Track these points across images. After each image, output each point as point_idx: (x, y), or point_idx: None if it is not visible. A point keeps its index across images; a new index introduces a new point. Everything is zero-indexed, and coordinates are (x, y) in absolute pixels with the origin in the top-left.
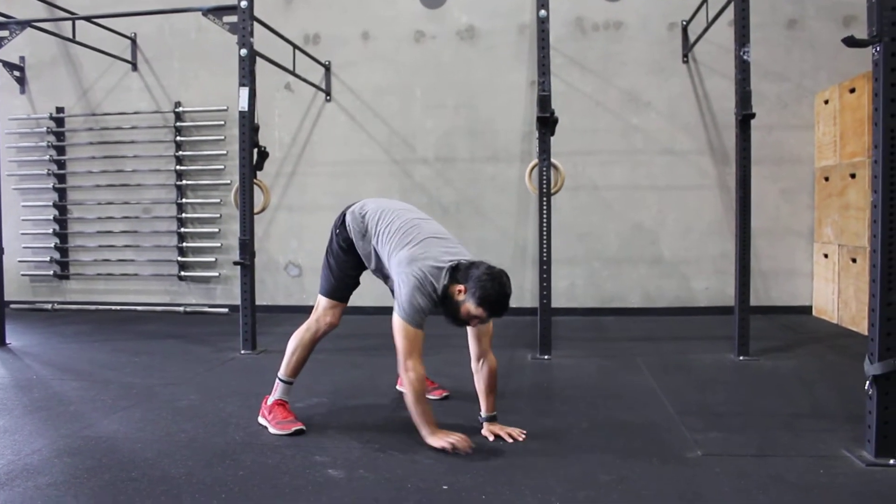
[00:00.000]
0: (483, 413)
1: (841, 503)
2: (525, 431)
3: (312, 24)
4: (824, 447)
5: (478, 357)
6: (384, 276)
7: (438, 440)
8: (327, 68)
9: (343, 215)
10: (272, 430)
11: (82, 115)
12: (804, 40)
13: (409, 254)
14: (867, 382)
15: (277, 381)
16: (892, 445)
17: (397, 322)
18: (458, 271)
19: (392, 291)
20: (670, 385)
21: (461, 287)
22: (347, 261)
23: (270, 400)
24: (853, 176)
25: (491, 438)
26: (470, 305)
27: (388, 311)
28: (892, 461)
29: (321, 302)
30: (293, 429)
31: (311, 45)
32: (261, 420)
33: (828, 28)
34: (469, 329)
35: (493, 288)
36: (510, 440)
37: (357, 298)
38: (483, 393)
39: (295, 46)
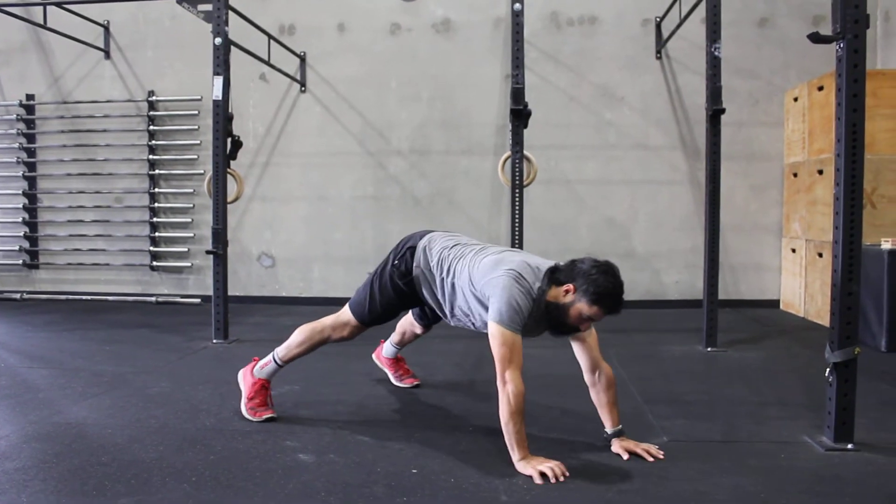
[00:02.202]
0: (609, 429)
1: (800, 485)
2: (662, 450)
3: (288, 15)
4: (786, 433)
5: (591, 368)
6: (458, 313)
7: (531, 467)
8: (302, 59)
9: (411, 248)
10: (244, 410)
11: (53, 102)
12: (775, 38)
13: (492, 259)
14: (827, 370)
15: (272, 359)
16: (850, 431)
17: (492, 328)
18: (558, 272)
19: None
20: (639, 375)
21: (568, 287)
22: (394, 300)
23: (258, 373)
24: (821, 172)
25: (625, 457)
26: (582, 305)
27: None
28: (849, 446)
29: (347, 317)
30: (264, 416)
31: (286, 35)
32: (240, 381)
33: (798, 27)
34: (573, 341)
35: (608, 281)
36: (650, 459)
37: (330, 289)
38: (606, 406)
39: (270, 37)
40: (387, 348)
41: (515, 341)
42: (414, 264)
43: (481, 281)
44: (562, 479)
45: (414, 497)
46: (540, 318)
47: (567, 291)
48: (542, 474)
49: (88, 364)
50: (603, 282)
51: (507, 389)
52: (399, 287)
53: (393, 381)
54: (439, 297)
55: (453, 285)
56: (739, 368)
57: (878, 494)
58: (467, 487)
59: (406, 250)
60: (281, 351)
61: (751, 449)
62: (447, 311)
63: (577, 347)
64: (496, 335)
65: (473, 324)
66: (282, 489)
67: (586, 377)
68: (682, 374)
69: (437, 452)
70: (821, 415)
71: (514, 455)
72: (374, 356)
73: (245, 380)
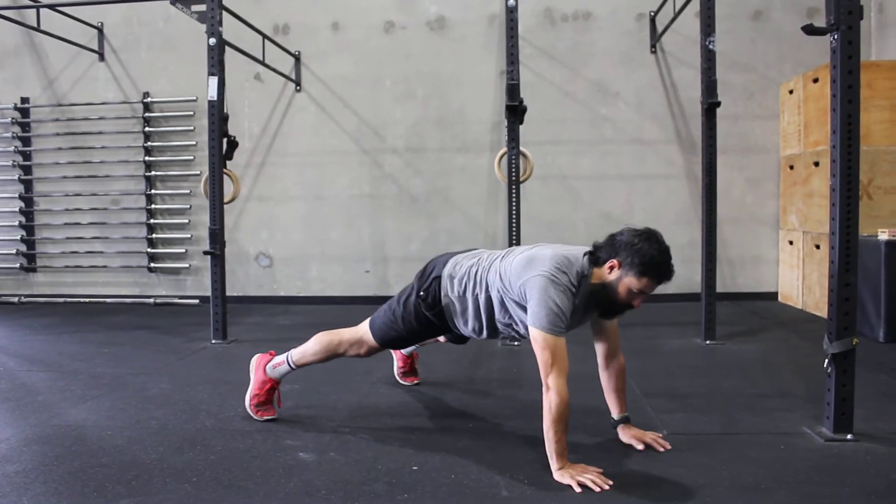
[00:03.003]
0: (616, 415)
1: (799, 476)
2: (667, 441)
3: (282, 14)
4: (785, 425)
5: (607, 356)
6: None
7: (568, 476)
8: (297, 58)
9: (437, 278)
10: (247, 403)
11: (48, 105)
12: (769, 32)
13: (524, 257)
14: (826, 361)
15: (286, 361)
16: (850, 421)
17: (532, 333)
18: (598, 251)
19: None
20: (638, 369)
21: (612, 262)
22: (418, 329)
23: (270, 372)
24: (817, 164)
25: (640, 447)
26: (630, 280)
27: (357, 300)
28: (849, 436)
29: (367, 337)
30: (265, 417)
31: (280, 35)
32: (251, 370)
33: (792, 20)
34: (593, 328)
35: (653, 248)
36: (661, 449)
37: (327, 288)
38: (615, 392)
39: (264, 36)
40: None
41: (558, 344)
42: (442, 293)
43: (517, 283)
44: (606, 487)
45: (414, 494)
46: (587, 305)
47: (611, 268)
48: (583, 485)
49: (87, 366)
50: (648, 250)
51: (548, 396)
52: (426, 318)
53: (395, 374)
54: (473, 321)
55: (489, 297)
56: (738, 361)
57: (877, 484)
58: (468, 483)
59: (432, 281)
60: (295, 355)
61: (750, 441)
62: (486, 333)
63: (597, 334)
64: (537, 339)
65: (517, 331)
66: (282, 488)
67: (600, 362)
68: (681, 368)
69: (437, 449)
70: (820, 406)
71: (553, 464)
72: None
73: (256, 373)
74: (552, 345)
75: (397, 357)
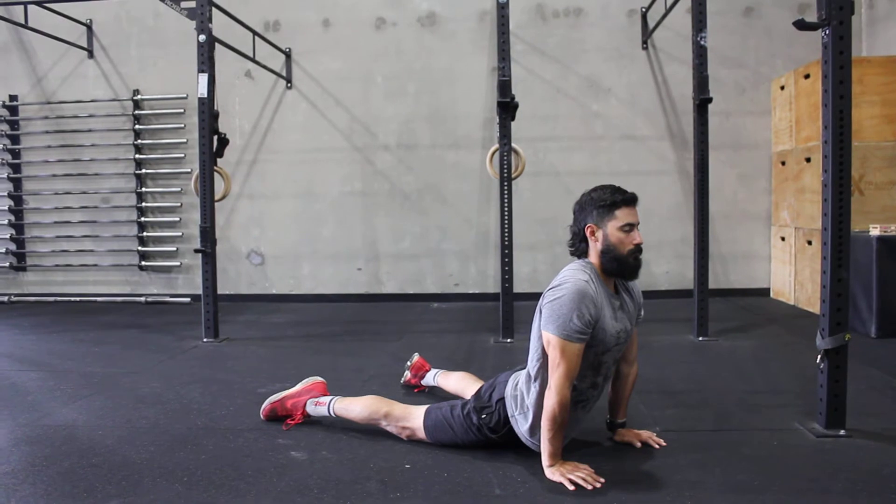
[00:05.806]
0: (618, 419)
1: (793, 472)
2: (660, 438)
3: (272, 11)
4: (778, 421)
5: (629, 360)
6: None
7: (559, 474)
8: (288, 55)
9: (500, 400)
10: (269, 400)
11: (37, 103)
12: (761, 27)
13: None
14: (818, 357)
15: (329, 407)
16: (842, 417)
17: (545, 336)
18: (573, 240)
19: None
20: None
21: (588, 227)
22: (475, 441)
23: (309, 406)
24: (808, 160)
25: (638, 445)
26: (611, 224)
27: (349, 297)
28: (841, 432)
29: (416, 425)
30: (267, 418)
31: (271, 31)
32: (301, 385)
33: (783, 15)
34: None
35: (600, 188)
36: (657, 446)
37: (319, 286)
38: (624, 399)
39: (255, 33)
40: (428, 379)
41: (567, 348)
42: (509, 414)
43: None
44: (598, 485)
45: (407, 492)
46: (614, 291)
47: (591, 233)
48: (574, 483)
49: (78, 366)
50: (598, 193)
51: (548, 396)
52: (489, 437)
53: (402, 379)
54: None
55: (540, 375)
56: (731, 357)
57: (870, 480)
58: (461, 482)
59: (496, 403)
60: (338, 404)
61: (743, 437)
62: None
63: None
64: (550, 341)
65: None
66: (274, 487)
67: (621, 367)
68: (673, 364)
69: (429, 447)
70: (812, 402)
71: (545, 461)
72: (409, 366)
73: (300, 395)
74: (560, 346)
75: (411, 378)
